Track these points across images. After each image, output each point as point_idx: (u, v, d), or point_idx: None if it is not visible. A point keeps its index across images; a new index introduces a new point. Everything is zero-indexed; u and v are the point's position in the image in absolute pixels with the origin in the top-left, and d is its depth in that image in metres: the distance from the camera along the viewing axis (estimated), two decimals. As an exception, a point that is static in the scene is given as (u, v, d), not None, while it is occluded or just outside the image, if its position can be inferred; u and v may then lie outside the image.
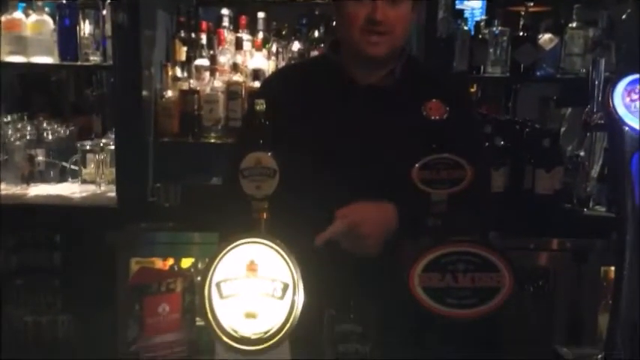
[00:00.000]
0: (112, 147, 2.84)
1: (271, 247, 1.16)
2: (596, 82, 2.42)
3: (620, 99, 1.17)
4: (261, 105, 1.29)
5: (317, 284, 1.17)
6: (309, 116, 1.54)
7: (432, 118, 1.28)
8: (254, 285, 1.14)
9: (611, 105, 1.18)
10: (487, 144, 2.61)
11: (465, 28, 2.75)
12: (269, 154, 1.24)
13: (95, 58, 2.72)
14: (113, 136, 2.87)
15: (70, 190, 2.86)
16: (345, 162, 1.49)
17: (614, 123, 1.18)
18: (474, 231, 1.28)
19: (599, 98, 2.38)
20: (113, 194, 2.76)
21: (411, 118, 1.37)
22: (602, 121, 2.30)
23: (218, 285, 1.14)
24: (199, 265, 2.68)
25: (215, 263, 1.15)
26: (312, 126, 1.53)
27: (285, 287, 1.14)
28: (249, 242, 1.15)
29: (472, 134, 1.63)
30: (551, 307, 2.68)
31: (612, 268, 2.51)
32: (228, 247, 1.17)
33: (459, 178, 1.22)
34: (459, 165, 1.22)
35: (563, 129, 3.06)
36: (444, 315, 1.10)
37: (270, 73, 2.77)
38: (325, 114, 1.54)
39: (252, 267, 1.14)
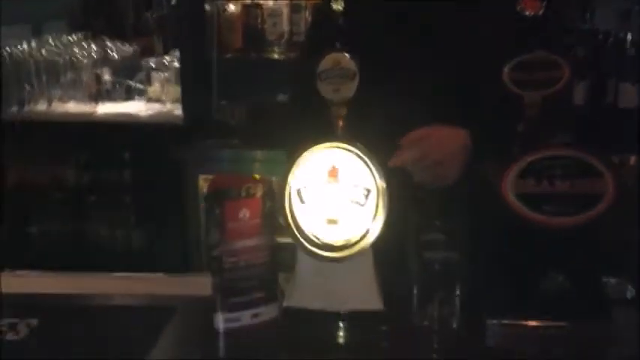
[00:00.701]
0: (176, 65, 2.81)
1: (352, 152, 1.10)
2: None
3: None
4: (338, 3, 1.20)
5: (400, 190, 1.12)
6: (383, 29, 1.42)
7: (527, 13, 1.17)
8: (336, 191, 1.09)
9: None
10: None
11: None
12: (347, 54, 1.16)
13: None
14: (177, 54, 2.84)
15: (137, 108, 2.87)
16: (422, 82, 1.36)
17: None
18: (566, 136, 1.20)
19: None
20: (179, 112, 2.75)
21: (490, 33, 1.26)
22: None
23: (299, 191, 1.10)
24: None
25: (294, 169, 1.11)
26: (386, 40, 1.41)
27: (368, 193, 1.09)
28: (328, 147, 1.10)
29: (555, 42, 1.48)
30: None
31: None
32: (307, 153, 1.12)
33: (556, 78, 1.12)
34: (556, 64, 1.12)
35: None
36: (540, 223, 1.03)
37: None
38: (402, 29, 1.41)
39: (333, 172, 1.09)
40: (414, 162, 1.24)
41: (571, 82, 1.12)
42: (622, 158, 2.56)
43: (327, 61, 1.16)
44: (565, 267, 1.09)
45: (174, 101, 2.85)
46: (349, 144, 1.12)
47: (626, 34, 2.60)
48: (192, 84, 2.72)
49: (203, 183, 2.67)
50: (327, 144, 1.10)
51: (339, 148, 1.12)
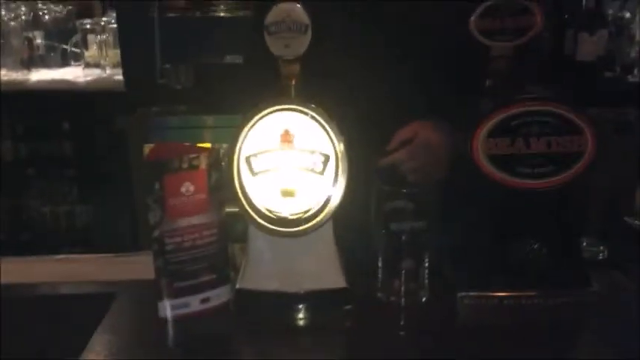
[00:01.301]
0: (115, 26, 2.61)
1: (307, 115, 0.99)
2: None
3: None
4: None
5: (363, 155, 1.02)
6: None
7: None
8: (290, 158, 0.98)
9: None
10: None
11: None
12: (299, 5, 1.04)
13: None
14: (114, 14, 2.64)
15: (74, 74, 2.67)
16: (380, 37, 1.25)
17: None
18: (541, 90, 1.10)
19: None
20: (120, 77, 2.57)
21: None
22: None
23: (248, 160, 0.98)
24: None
25: (243, 135, 0.99)
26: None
27: (327, 160, 0.98)
28: (280, 109, 0.98)
29: None
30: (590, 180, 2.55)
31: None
32: (256, 116, 1.00)
33: (526, 26, 1.03)
34: (526, 10, 1.02)
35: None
36: (514, 187, 0.94)
37: None
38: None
39: (287, 137, 0.98)
40: (403, 162, 1.19)
41: (542, 31, 1.02)
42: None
43: (275, 13, 1.03)
44: (541, 233, 1.01)
45: (114, 66, 2.66)
46: (303, 106, 1.01)
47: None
48: (133, 47, 2.53)
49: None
50: (279, 106, 0.98)
51: (293, 110, 1.00)
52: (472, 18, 1.04)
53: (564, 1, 2.57)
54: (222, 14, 2.61)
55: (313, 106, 1.01)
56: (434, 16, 1.24)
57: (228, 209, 1.02)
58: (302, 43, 1.04)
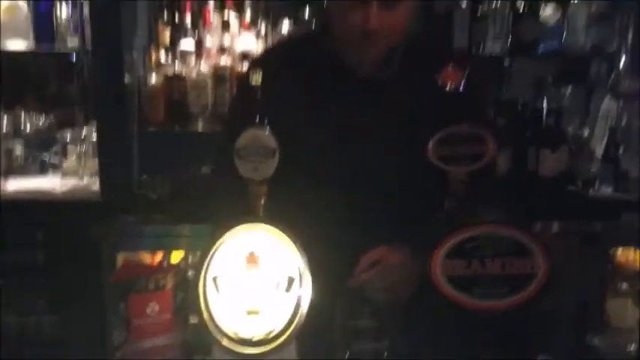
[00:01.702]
0: (95, 138, 2.68)
1: (274, 234, 1.02)
2: (623, 51, 2.29)
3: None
4: (257, 78, 1.15)
5: (326, 275, 1.04)
6: (304, 106, 1.39)
7: (449, 86, 1.15)
8: (255, 278, 1.01)
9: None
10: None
11: (464, 3, 2.62)
12: (267, 131, 1.11)
13: (73, 43, 2.55)
14: (95, 126, 2.72)
15: (51, 183, 2.70)
16: (344, 159, 1.34)
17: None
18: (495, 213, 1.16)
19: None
20: (97, 187, 2.61)
21: (413, 108, 1.28)
22: (633, 89, 2.18)
23: (214, 279, 1.01)
24: (190, 260, 2.54)
25: (210, 255, 1.02)
26: (306, 118, 1.38)
27: (291, 280, 1.01)
28: (247, 229, 1.02)
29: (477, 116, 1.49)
30: (558, 292, 2.58)
31: (621, 251, 2.43)
32: (225, 237, 1.04)
33: (480, 153, 1.10)
34: (480, 138, 1.10)
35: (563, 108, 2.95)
36: (472, 307, 0.97)
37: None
38: (321, 105, 1.38)
39: (252, 258, 1.01)
40: (372, 283, 1.22)
41: (495, 157, 1.09)
42: (545, 225, 2.59)
43: (245, 138, 1.10)
44: (499, 348, 1.03)
45: (92, 175, 2.71)
46: (270, 225, 1.05)
47: (542, 102, 2.69)
48: (112, 158, 2.59)
49: (122, 262, 2.51)
50: (246, 225, 1.02)
51: (259, 230, 1.04)
52: (430, 145, 1.11)
53: (525, 119, 2.71)
54: (199, 129, 2.70)
55: (280, 225, 1.05)
56: (398, 140, 1.32)
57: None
58: (269, 166, 1.10)
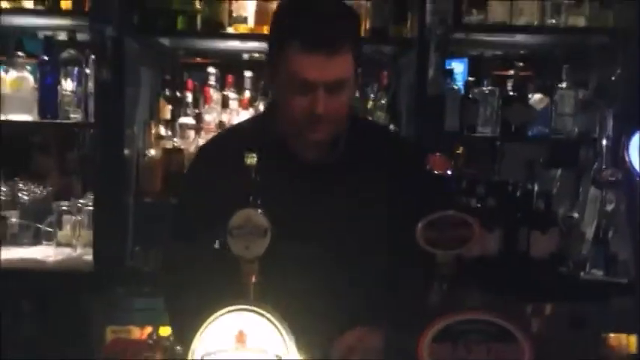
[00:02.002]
0: (91, 208, 2.71)
1: (262, 315, 1.04)
2: (604, 140, 2.37)
3: (637, 152, 1.10)
4: (251, 158, 1.20)
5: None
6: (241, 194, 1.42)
7: (436, 172, 1.20)
8: (243, 358, 1.01)
9: (628, 159, 1.11)
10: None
11: (455, 87, 2.72)
12: (259, 211, 1.14)
13: (76, 116, 2.63)
14: (92, 196, 2.76)
15: (45, 253, 2.72)
16: (294, 246, 1.35)
17: (631, 177, 1.11)
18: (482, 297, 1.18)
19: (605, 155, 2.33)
20: (90, 257, 2.62)
21: (363, 193, 1.35)
22: (614, 178, 2.24)
23: (202, 359, 1.02)
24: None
25: (199, 334, 1.03)
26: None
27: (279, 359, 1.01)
28: (237, 310, 1.03)
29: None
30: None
31: (612, 335, 2.43)
32: (214, 316, 1.05)
33: (466, 236, 1.13)
34: (465, 223, 1.13)
35: (554, 191, 3.01)
36: (458, 392, 0.98)
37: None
38: (268, 192, 1.41)
39: (241, 338, 1.02)
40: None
41: (481, 240, 1.12)
42: (536, 307, 2.59)
43: (238, 217, 1.13)
44: None
45: (85, 245, 2.72)
46: (259, 307, 1.06)
47: (533, 184, 2.74)
48: (106, 228, 2.61)
49: (111, 335, 2.48)
50: (236, 306, 1.04)
51: (248, 310, 1.06)
52: (418, 228, 1.15)
53: (516, 200, 2.76)
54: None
55: (268, 307, 1.06)
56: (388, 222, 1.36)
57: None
58: (261, 245, 1.12)
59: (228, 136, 1.71)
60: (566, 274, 2.68)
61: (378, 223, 1.41)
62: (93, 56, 2.59)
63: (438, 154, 1.20)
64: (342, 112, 1.40)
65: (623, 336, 2.36)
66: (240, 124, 1.99)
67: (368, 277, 1.40)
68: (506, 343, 0.98)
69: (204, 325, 1.03)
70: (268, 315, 1.04)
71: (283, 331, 1.03)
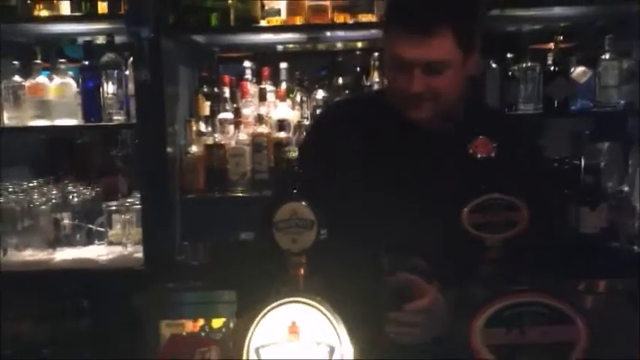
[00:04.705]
0: (139, 206, 2.77)
1: (314, 307, 1.05)
2: None
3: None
4: (292, 151, 1.20)
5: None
6: (365, 160, 1.47)
7: (479, 155, 1.18)
8: (297, 349, 1.03)
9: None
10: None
11: (494, 65, 2.67)
12: (304, 203, 1.15)
13: (119, 118, 2.68)
14: (139, 195, 2.82)
15: (97, 252, 2.79)
16: (402, 212, 1.38)
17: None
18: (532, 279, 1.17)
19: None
20: (141, 255, 2.68)
21: (471, 164, 1.31)
22: None
23: (257, 351, 1.03)
24: (231, 325, 2.56)
25: (253, 327, 1.05)
26: (367, 171, 1.46)
27: (332, 350, 1.02)
28: (288, 302, 1.05)
29: (535, 176, 1.54)
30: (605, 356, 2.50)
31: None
32: (267, 309, 1.06)
33: (513, 220, 1.11)
34: (513, 206, 1.12)
35: (602, 164, 2.93)
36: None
37: (320, 110, 2.73)
38: (382, 158, 1.47)
39: (293, 329, 1.03)
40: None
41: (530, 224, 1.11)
42: (590, 284, 2.54)
43: (283, 211, 1.14)
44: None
45: (136, 243, 2.78)
46: (309, 298, 1.07)
47: (580, 159, 2.68)
48: (155, 227, 2.67)
49: (165, 329, 2.55)
50: (286, 299, 1.05)
51: (299, 302, 1.07)
52: (464, 212, 1.14)
53: (563, 177, 2.70)
54: (239, 194, 2.77)
55: (319, 298, 1.07)
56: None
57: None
58: (308, 239, 1.13)
59: (344, 105, 1.81)
60: (619, 248, 2.62)
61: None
62: (131, 58, 2.64)
63: (480, 137, 1.18)
64: (445, 92, 1.41)
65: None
66: (356, 97, 2.10)
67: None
68: (561, 324, 0.97)
69: (257, 317, 1.05)
70: (320, 307, 1.05)
71: (335, 323, 1.04)
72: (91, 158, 3.50)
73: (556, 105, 2.65)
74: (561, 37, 2.69)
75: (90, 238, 2.91)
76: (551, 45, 2.70)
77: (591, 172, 2.59)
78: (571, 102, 2.65)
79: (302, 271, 1.14)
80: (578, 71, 2.66)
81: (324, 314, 1.04)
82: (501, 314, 0.99)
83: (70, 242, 2.85)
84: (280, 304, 1.05)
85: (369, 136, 1.48)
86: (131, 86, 2.67)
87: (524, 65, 2.69)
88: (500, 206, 1.11)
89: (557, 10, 2.79)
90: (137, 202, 2.82)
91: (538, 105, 2.68)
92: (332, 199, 1.33)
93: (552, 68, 2.68)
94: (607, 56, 2.66)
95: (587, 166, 2.62)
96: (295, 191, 1.19)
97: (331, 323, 1.04)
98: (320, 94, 2.88)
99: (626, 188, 2.78)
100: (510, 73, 2.68)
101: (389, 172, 1.44)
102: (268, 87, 2.88)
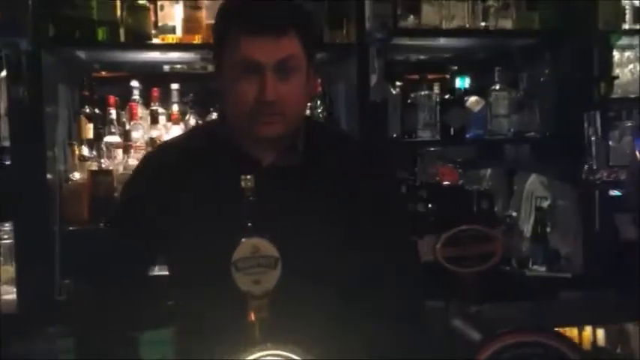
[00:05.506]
0: (10, 241, 2.44)
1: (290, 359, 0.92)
2: (593, 138, 2.37)
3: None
4: (249, 181, 1.08)
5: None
6: (202, 204, 1.32)
7: (444, 183, 1.13)
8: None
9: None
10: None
11: (394, 92, 2.69)
12: (266, 238, 1.02)
13: (-11, 141, 2.35)
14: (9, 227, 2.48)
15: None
16: None
17: None
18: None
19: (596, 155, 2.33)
20: (13, 297, 2.35)
21: (321, 199, 1.29)
22: (609, 179, 2.25)
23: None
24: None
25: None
26: (205, 217, 1.31)
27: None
28: (266, 356, 0.91)
29: (389, 209, 1.32)
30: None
31: (564, 330, 2.47)
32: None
33: (489, 252, 1.07)
34: (487, 237, 1.07)
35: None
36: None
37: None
38: (222, 199, 1.27)
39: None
40: None
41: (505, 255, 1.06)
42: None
43: (243, 248, 1.01)
44: None
45: (7, 283, 2.44)
46: (275, 349, 0.94)
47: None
48: (30, 262, 2.36)
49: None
50: (263, 352, 0.91)
51: (264, 357, 0.93)
52: (436, 247, 1.07)
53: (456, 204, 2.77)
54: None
55: (290, 346, 0.95)
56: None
57: None
58: (272, 278, 1.01)
59: (175, 145, 1.55)
60: (511, 272, 2.72)
61: (339, 233, 1.30)
62: (4, 72, 2.33)
63: (447, 165, 1.13)
64: (294, 104, 1.31)
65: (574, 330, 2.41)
66: (189, 133, 1.89)
67: (332, 290, 1.30)
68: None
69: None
70: (296, 357, 0.92)
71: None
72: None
73: (452, 133, 2.71)
74: (456, 68, 2.77)
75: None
76: (447, 75, 2.79)
77: (486, 197, 2.67)
78: (466, 130, 2.73)
79: (262, 317, 1.01)
80: (472, 100, 2.76)
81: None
82: (497, 357, 0.92)
83: None
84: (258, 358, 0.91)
85: (206, 181, 1.34)
86: (2, 105, 2.36)
87: (421, 93, 2.74)
88: (475, 238, 1.06)
89: (448, 42, 2.89)
90: (7, 236, 2.48)
91: (435, 133, 2.73)
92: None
93: (447, 96, 2.75)
94: (497, 87, 2.78)
95: (482, 192, 2.70)
96: (250, 225, 1.06)
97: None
98: (214, 115, 2.73)
99: (514, 213, 2.91)
100: (409, 101, 2.71)
101: (233, 218, 1.10)
102: (159, 109, 2.69)
